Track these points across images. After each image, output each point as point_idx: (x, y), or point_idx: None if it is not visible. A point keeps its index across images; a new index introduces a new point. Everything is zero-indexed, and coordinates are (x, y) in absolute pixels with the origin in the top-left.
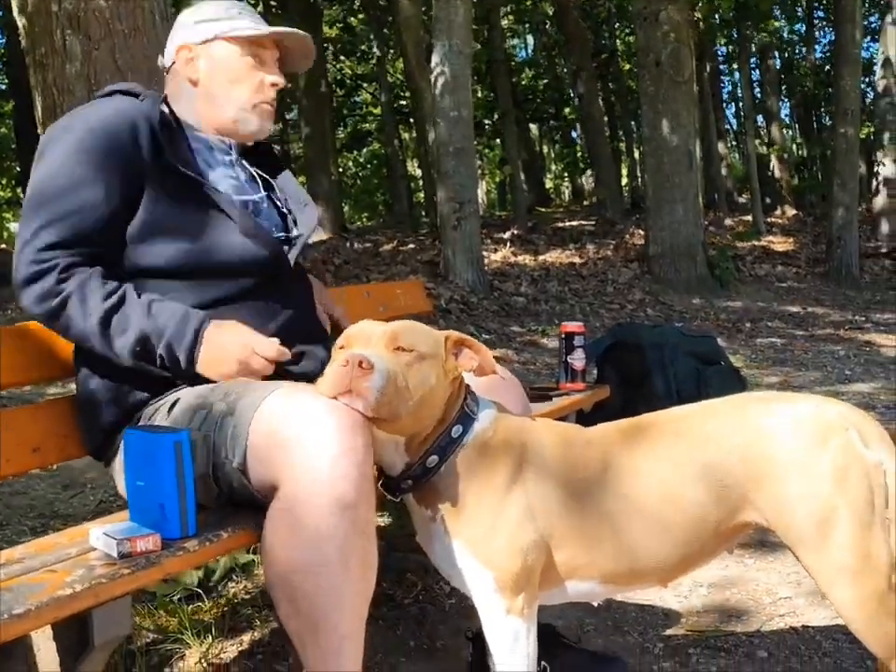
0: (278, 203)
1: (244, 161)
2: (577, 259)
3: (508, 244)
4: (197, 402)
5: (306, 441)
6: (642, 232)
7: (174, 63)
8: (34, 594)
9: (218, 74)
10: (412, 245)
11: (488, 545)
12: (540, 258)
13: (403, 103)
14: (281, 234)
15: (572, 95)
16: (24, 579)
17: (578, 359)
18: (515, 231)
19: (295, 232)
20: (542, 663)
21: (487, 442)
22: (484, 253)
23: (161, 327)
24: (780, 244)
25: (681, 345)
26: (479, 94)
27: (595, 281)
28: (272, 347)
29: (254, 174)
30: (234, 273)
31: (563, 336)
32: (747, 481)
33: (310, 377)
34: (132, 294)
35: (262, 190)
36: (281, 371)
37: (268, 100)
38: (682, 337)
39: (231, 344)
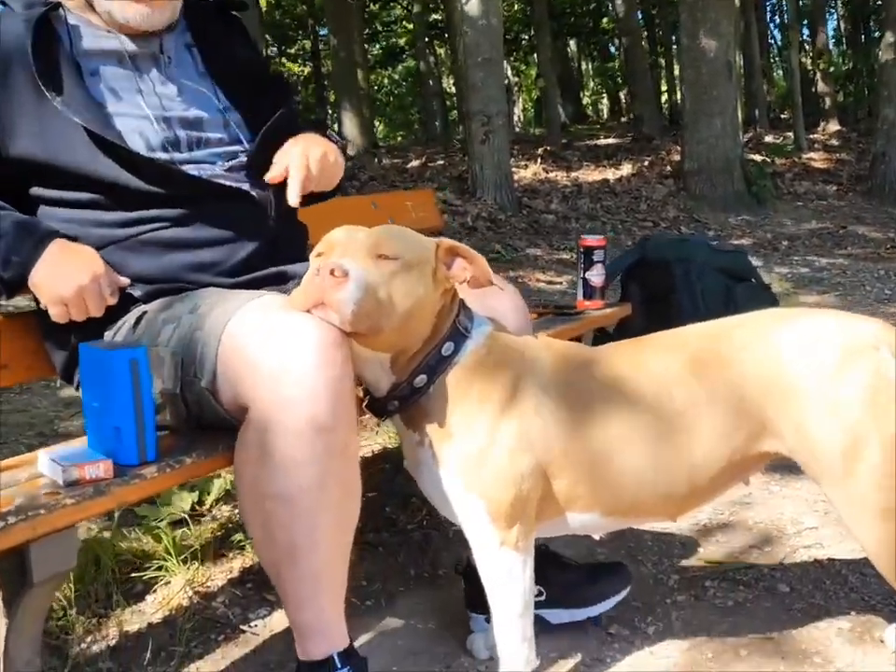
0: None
1: (195, 49)
2: (610, 176)
3: (539, 160)
4: (164, 315)
5: (276, 359)
6: (679, 148)
7: None
8: None
9: None
10: (441, 162)
11: (479, 472)
12: (573, 174)
13: (437, 17)
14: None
15: (610, 8)
16: None
17: (596, 276)
18: (548, 148)
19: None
20: (538, 587)
21: (480, 361)
22: (515, 169)
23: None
24: (822, 161)
25: (710, 261)
26: (515, 7)
27: (629, 198)
28: (111, 288)
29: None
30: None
31: (581, 250)
32: (765, 405)
33: (287, 289)
34: None
35: (218, 96)
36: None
37: None
38: (712, 252)
39: (77, 265)
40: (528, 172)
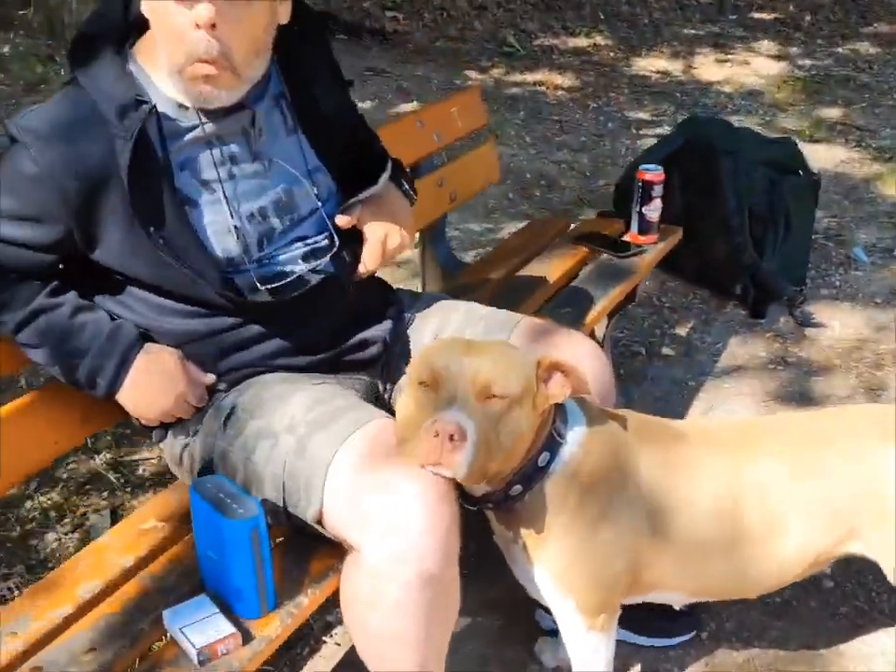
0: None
1: (286, 99)
2: None
3: None
4: (257, 424)
5: (388, 514)
6: None
7: None
8: None
9: (151, 18)
10: None
11: (572, 577)
12: None
13: None
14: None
15: None
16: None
17: (653, 210)
18: None
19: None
20: None
21: (577, 469)
22: None
23: (83, 346)
24: None
25: (758, 152)
26: None
27: None
28: (199, 398)
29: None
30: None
31: (639, 184)
32: (860, 517)
33: (372, 361)
34: (49, 301)
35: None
36: (339, 363)
37: (198, 56)
38: (760, 143)
39: (162, 387)
40: None
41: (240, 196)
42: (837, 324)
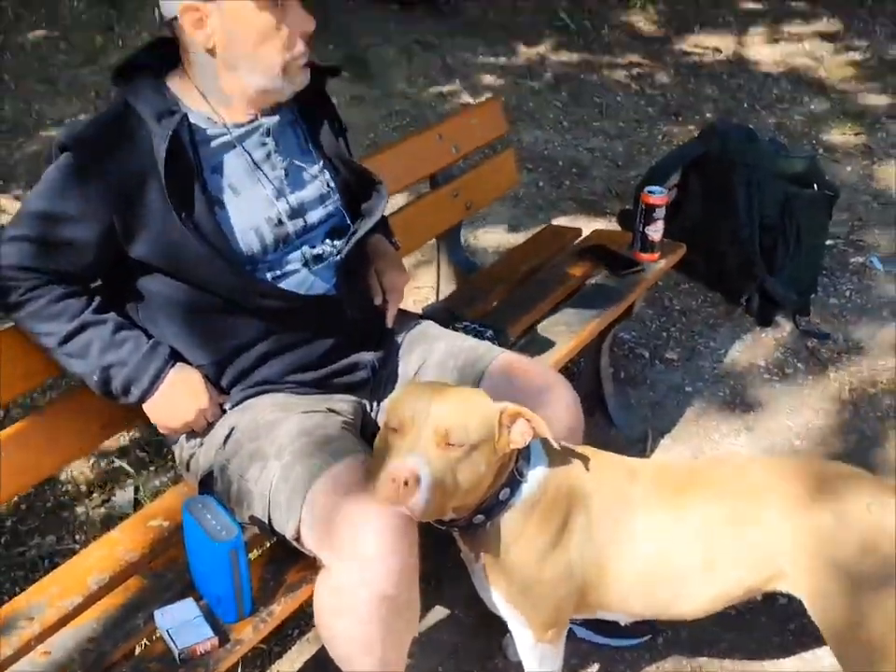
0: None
1: (301, 126)
2: None
3: None
4: (252, 447)
5: (353, 542)
6: None
7: (177, 20)
8: None
9: (237, 36)
10: None
11: (522, 599)
12: None
13: None
14: (330, 254)
15: None
16: None
17: (655, 231)
18: None
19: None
20: None
21: (533, 505)
22: None
23: (122, 359)
24: None
25: (777, 167)
26: None
27: None
28: (214, 415)
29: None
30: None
31: (642, 207)
32: (783, 558)
33: (361, 384)
34: (95, 317)
35: (318, 167)
36: (330, 383)
37: (300, 54)
38: (778, 157)
39: (186, 402)
40: None
41: (262, 200)
42: (840, 336)
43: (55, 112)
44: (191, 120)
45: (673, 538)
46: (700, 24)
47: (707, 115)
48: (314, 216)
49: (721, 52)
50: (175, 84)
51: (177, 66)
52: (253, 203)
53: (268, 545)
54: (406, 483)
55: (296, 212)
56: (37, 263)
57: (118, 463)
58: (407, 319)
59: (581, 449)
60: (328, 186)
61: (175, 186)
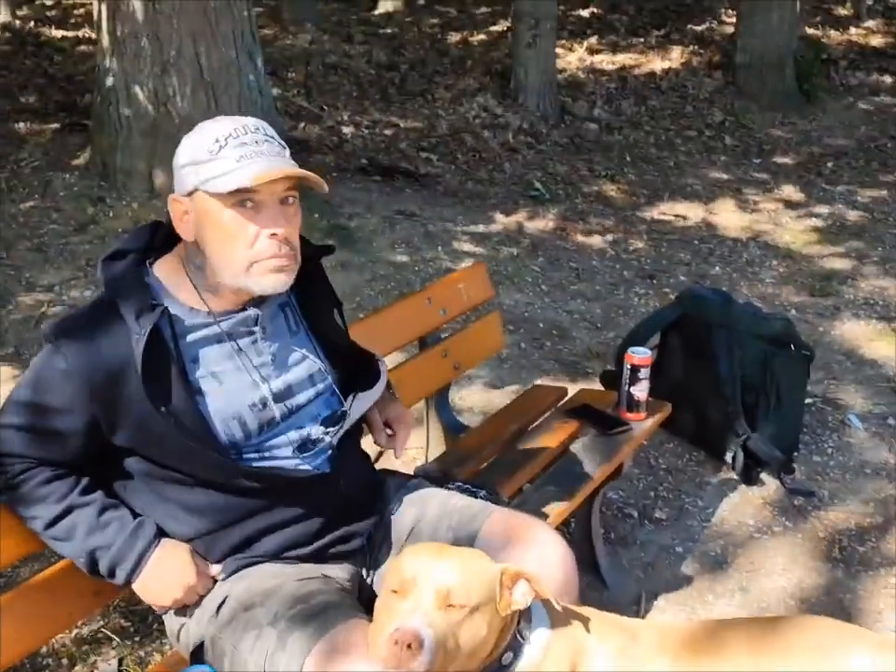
0: (318, 382)
1: (290, 305)
2: (657, 66)
3: (584, 44)
4: (246, 616)
5: None
6: (732, 20)
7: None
8: None
9: (208, 233)
10: (482, 37)
11: None
12: (618, 58)
13: None
14: (320, 437)
15: None
16: None
17: (641, 391)
18: (595, 11)
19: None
20: None
21: (538, 668)
22: (559, 51)
23: (107, 542)
24: (880, 34)
25: (752, 328)
26: None
27: (675, 96)
28: (205, 588)
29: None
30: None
31: (628, 367)
32: None
33: (356, 552)
34: (81, 499)
35: (307, 351)
36: (325, 554)
37: (266, 256)
38: (755, 318)
39: (173, 580)
40: (573, 57)
41: (245, 387)
42: (826, 493)
43: (45, 279)
44: (172, 312)
45: None
46: (669, 193)
47: (682, 277)
48: (301, 397)
49: (691, 219)
50: (165, 268)
51: (170, 250)
52: (236, 390)
53: None
54: (409, 646)
55: (282, 395)
56: (27, 451)
57: (101, 634)
58: (399, 479)
59: (581, 609)
60: (318, 365)
61: (153, 377)
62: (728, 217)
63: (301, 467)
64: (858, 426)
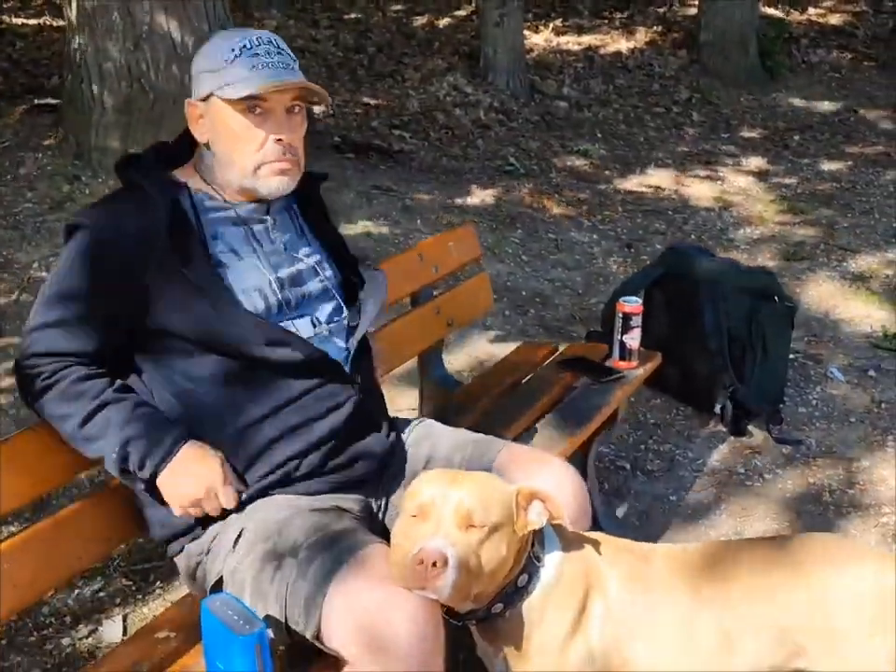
0: (325, 279)
1: (294, 210)
2: (622, 46)
3: (550, 25)
4: (264, 547)
5: (380, 634)
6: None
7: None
8: None
9: (220, 135)
10: (447, 20)
11: None
12: (584, 39)
13: None
14: (320, 330)
15: None
16: None
17: (633, 339)
18: None
19: (341, 322)
20: None
21: (551, 590)
22: (525, 32)
23: (140, 432)
24: (838, 14)
25: (736, 281)
26: None
27: (641, 75)
28: (228, 498)
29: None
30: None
31: (620, 315)
32: (804, 636)
33: (369, 478)
34: (116, 395)
35: (314, 251)
36: (338, 477)
37: (272, 159)
38: (738, 272)
39: (199, 476)
40: (540, 38)
41: (261, 267)
42: (813, 442)
43: (23, 257)
44: (192, 193)
45: (690, 618)
46: (641, 167)
47: (658, 246)
48: (312, 287)
49: (664, 191)
50: (180, 173)
51: (182, 165)
52: (254, 267)
53: (282, 649)
54: (434, 565)
55: (294, 281)
56: (58, 346)
57: (103, 593)
58: (408, 420)
59: (592, 534)
60: (325, 263)
61: (178, 245)
62: (700, 188)
63: (320, 346)
64: (840, 378)
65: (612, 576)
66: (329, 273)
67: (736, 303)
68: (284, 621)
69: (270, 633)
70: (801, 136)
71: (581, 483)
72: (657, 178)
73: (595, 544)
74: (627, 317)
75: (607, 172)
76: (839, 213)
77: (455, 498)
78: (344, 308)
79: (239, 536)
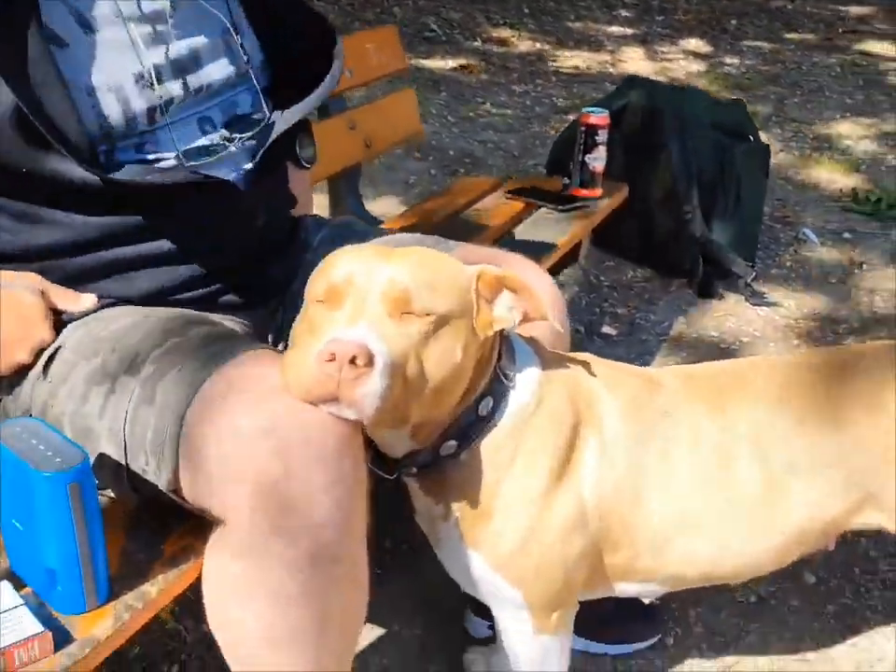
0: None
1: None
2: None
3: None
4: (91, 369)
5: (267, 471)
6: None
7: None
8: None
9: None
10: None
11: (519, 563)
12: None
13: None
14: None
15: None
16: None
17: (598, 160)
18: None
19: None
20: None
21: (526, 420)
22: None
23: None
24: None
25: (707, 114)
26: None
27: None
28: (75, 300)
29: None
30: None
31: (582, 129)
32: (877, 477)
33: (256, 307)
34: None
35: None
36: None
37: None
38: (709, 104)
39: (11, 333)
40: None
41: (127, 47)
42: (793, 303)
43: None
44: None
45: (722, 456)
46: (573, 42)
47: None
48: (212, 71)
49: (600, 66)
50: None
51: None
52: (114, 47)
53: (126, 507)
54: (354, 362)
55: (183, 65)
56: None
57: None
58: (327, 222)
59: (579, 354)
60: (240, 30)
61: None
62: (638, 64)
63: (202, 171)
64: (814, 240)
65: (612, 405)
66: (245, 50)
67: (707, 141)
68: (124, 467)
69: (105, 483)
70: (738, 21)
71: (559, 292)
72: (591, 55)
73: (587, 365)
74: (592, 131)
75: (538, 45)
76: (788, 90)
77: (386, 274)
78: (264, 100)
79: (52, 358)
